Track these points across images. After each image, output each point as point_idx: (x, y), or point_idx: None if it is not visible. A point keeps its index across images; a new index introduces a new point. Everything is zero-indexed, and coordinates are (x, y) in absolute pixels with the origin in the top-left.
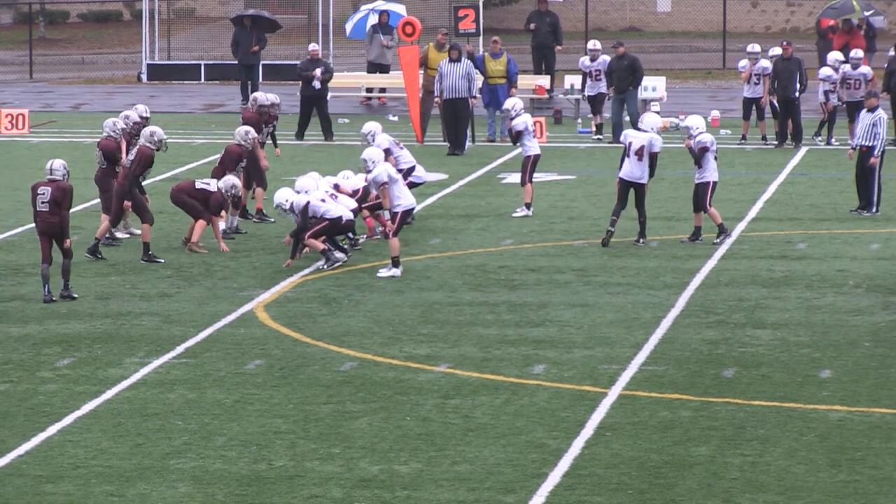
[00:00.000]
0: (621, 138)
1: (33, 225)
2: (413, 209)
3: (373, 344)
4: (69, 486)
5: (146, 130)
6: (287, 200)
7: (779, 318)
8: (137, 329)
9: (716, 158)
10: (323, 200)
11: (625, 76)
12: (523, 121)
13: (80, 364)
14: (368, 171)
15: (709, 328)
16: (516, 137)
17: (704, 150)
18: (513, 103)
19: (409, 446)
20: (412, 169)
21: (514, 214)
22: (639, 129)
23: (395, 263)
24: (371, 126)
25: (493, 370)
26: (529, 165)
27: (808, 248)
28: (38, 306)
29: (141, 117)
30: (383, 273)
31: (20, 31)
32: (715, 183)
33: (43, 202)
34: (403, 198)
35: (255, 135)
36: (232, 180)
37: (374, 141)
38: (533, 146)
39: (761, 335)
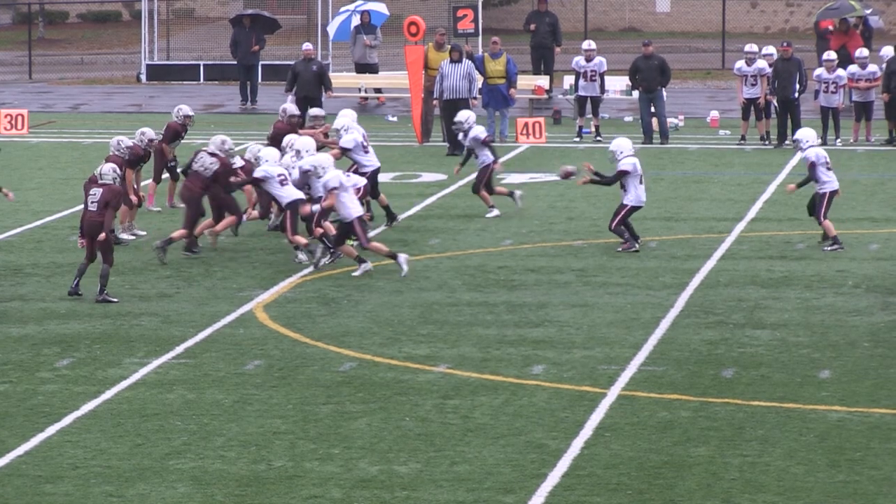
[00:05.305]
0: (630, 168)
1: (33, 225)
2: (362, 216)
3: (372, 344)
4: (68, 487)
5: (137, 131)
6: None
7: (778, 318)
8: (137, 329)
9: (829, 169)
10: (283, 179)
11: (654, 76)
12: (479, 131)
13: (79, 364)
14: (319, 177)
15: (708, 328)
16: (472, 150)
17: (812, 166)
18: (465, 116)
19: (409, 447)
20: (377, 171)
21: (488, 215)
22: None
23: (393, 256)
24: (345, 121)
25: (492, 370)
26: (487, 175)
27: (808, 249)
28: (38, 306)
29: (186, 116)
30: (358, 273)
31: (19, 32)
32: (831, 193)
33: (93, 202)
34: (352, 205)
35: (294, 112)
36: (222, 137)
37: (345, 135)
38: (489, 155)
39: (760, 335)
